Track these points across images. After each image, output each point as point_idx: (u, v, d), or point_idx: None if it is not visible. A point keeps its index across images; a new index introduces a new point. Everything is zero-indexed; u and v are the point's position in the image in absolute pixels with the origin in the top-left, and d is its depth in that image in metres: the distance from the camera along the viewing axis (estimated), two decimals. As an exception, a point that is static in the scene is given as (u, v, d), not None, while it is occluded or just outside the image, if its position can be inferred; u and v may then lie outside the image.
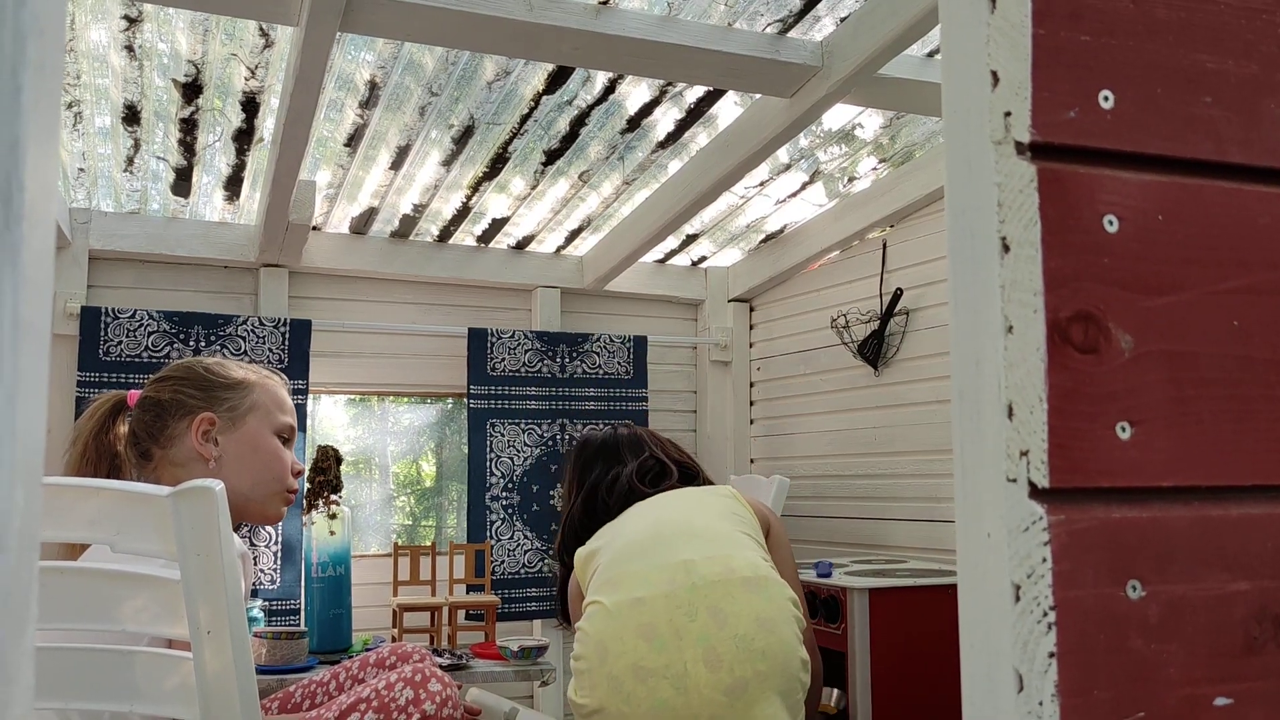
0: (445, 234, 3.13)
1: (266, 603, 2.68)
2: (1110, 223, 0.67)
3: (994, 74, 0.65)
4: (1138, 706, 0.63)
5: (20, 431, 0.40)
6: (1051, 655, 0.62)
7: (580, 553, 1.94)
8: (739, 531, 1.83)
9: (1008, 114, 0.65)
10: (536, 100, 2.38)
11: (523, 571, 3.03)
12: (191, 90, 2.24)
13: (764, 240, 3.37)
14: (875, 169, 2.90)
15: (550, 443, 3.12)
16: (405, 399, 3.34)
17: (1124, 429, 0.65)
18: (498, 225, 3.08)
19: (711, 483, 2.10)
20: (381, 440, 3.36)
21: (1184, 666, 0.65)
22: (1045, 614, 0.62)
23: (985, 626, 0.65)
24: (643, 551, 1.80)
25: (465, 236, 3.17)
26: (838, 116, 2.56)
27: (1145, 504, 0.65)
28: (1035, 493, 0.63)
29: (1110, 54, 0.67)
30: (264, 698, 1.81)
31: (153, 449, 1.68)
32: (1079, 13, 0.67)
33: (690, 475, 2.07)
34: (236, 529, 1.41)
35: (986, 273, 0.66)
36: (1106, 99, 0.67)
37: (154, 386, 1.72)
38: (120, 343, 2.65)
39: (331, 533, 2.55)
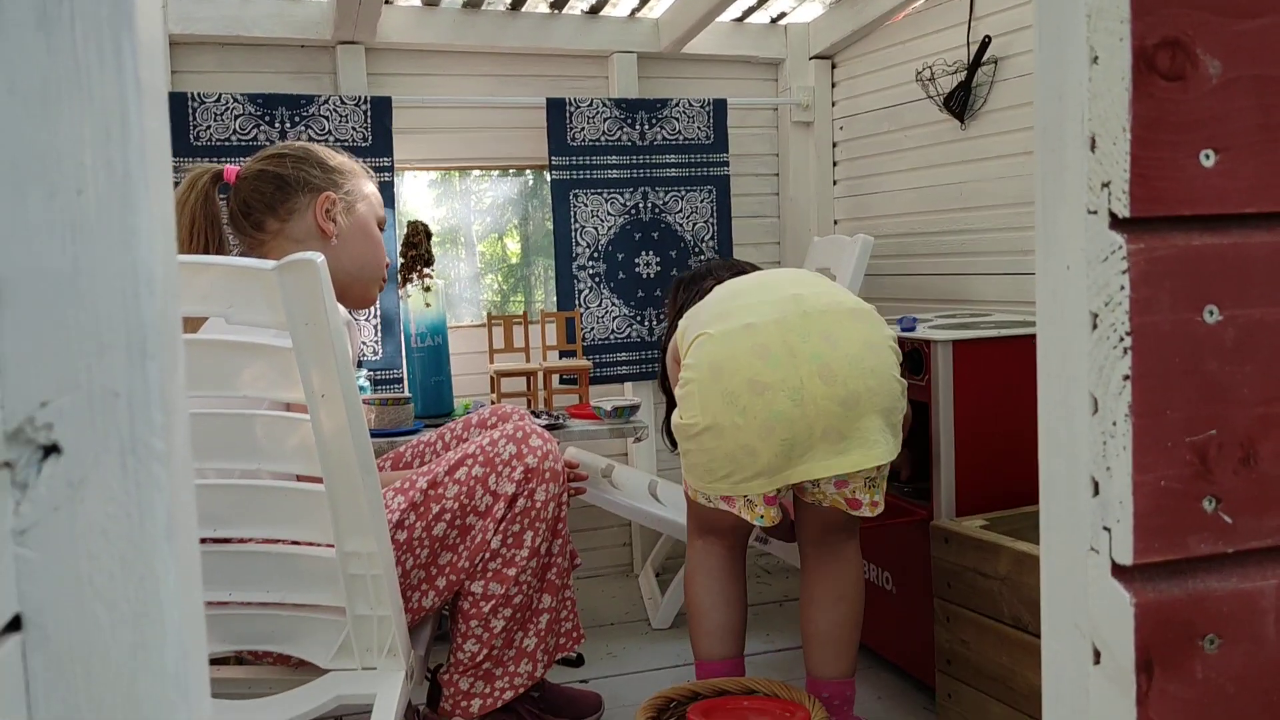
0: (518, 1, 3.06)
1: (371, 373, 2.81)
2: (1204, -59, 0.65)
3: None
4: (1210, 425, 0.66)
5: (152, 186, 0.44)
6: (1126, 378, 0.64)
7: (679, 325, 1.98)
8: (840, 288, 1.92)
9: None
10: None
11: (612, 337, 3.11)
12: None
13: (846, -8, 3.24)
14: (963, -93, 2.74)
15: (633, 211, 3.14)
16: (486, 175, 3.37)
17: (1208, 156, 0.65)
18: (570, -11, 3.01)
19: None
20: (466, 218, 3.41)
21: (1258, 386, 0.67)
22: (1121, 339, 0.64)
23: (1062, 354, 0.68)
24: (749, 291, 1.86)
25: (538, 3, 3.10)
26: None
27: (1227, 231, 0.66)
28: (1115, 223, 0.64)
29: None
30: (377, 457, 1.94)
31: (269, 221, 1.74)
32: None
33: None
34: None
35: (1072, 2, 0.65)
36: None
37: (272, 161, 1.77)
38: (209, 127, 2.69)
39: (427, 305, 2.64)
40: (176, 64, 2.82)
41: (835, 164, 3.47)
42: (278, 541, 1.50)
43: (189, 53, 2.84)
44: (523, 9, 3.12)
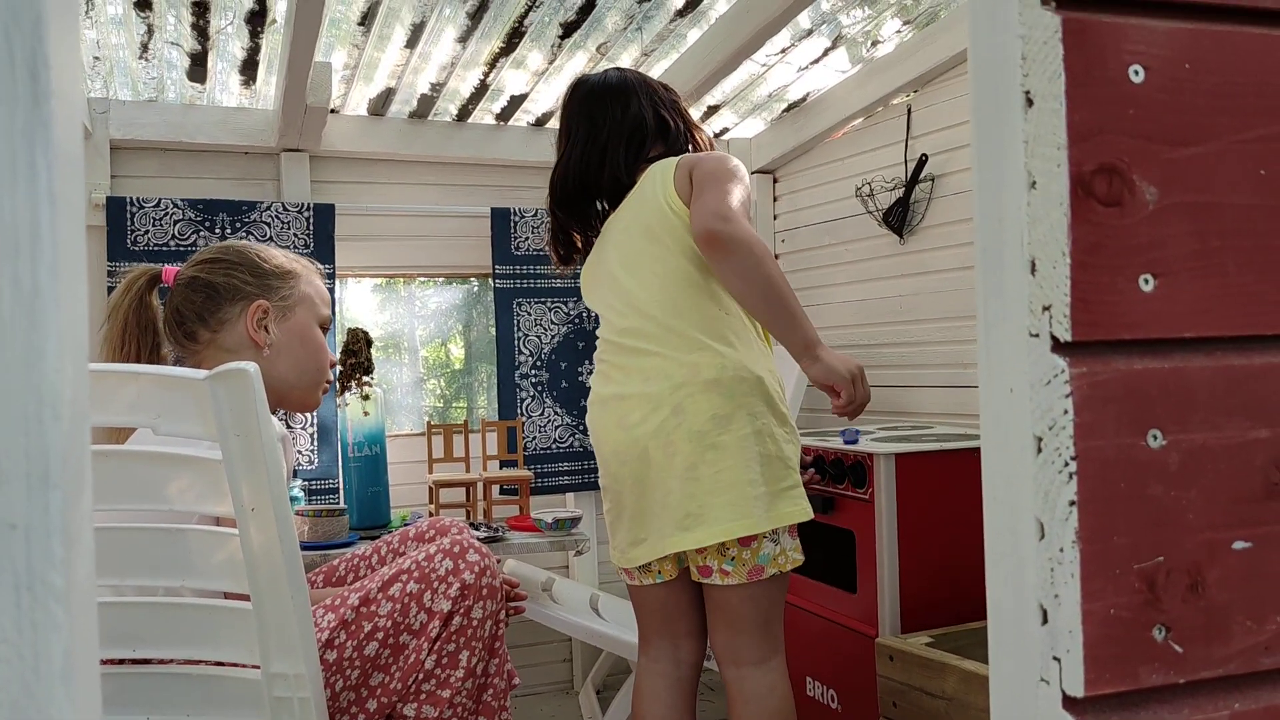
0: (464, 113, 3.10)
1: (306, 483, 2.75)
2: (1136, 73, 0.66)
3: (1017, -79, 0.63)
4: (1157, 551, 0.65)
5: (64, 305, 0.42)
6: (1072, 504, 0.63)
7: (582, 287, 2.11)
8: (697, 311, 1.87)
9: (1031, -38, 0.63)
10: (551, -29, 2.33)
11: (554, 446, 3.08)
12: (201, -28, 2.20)
13: (786, 109, 3.32)
14: (899, 31, 2.83)
15: (576, 320, 3.14)
16: (431, 282, 3.36)
17: (1147, 281, 0.65)
18: (516, 102, 3.05)
19: (692, 141, 2.09)
20: (409, 324, 3.39)
21: (1203, 512, 0.66)
22: (1066, 464, 0.63)
23: (1008, 478, 0.66)
24: (625, 350, 1.93)
25: (484, 115, 3.14)
26: (860, -22, 2.50)
27: (1167, 355, 0.66)
28: (1058, 346, 0.64)
29: (1137, -105, 0.66)
30: (309, 572, 1.87)
31: (200, 331, 1.70)
32: None
33: (664, 132, 2.07)
34: (273, 414, 1.43)
35: (1009, 129, 0.66)
36: (1132, -57, 0.65)
37: (204, 268, 1.72)
38: (148, 232, 2.66)
39: (365, 413, 2.60)
40: (117, 169, 2.80)
41: (777, 276, 3.51)
42: (200, 662, 1.43)
43: (130, 158, 2.82)
44: (469, 120, 3.15)
